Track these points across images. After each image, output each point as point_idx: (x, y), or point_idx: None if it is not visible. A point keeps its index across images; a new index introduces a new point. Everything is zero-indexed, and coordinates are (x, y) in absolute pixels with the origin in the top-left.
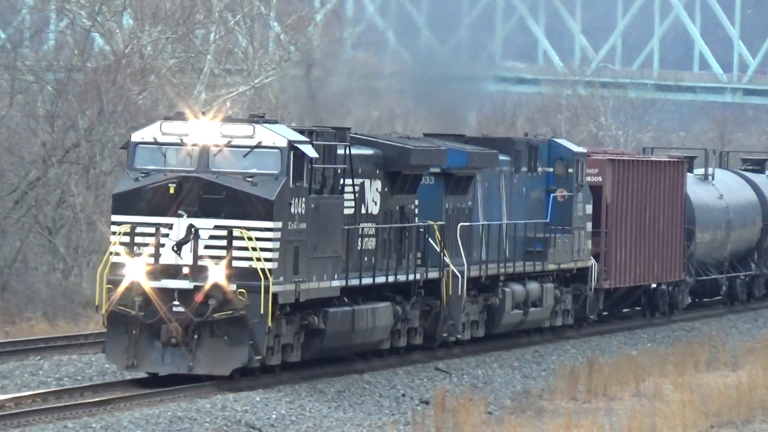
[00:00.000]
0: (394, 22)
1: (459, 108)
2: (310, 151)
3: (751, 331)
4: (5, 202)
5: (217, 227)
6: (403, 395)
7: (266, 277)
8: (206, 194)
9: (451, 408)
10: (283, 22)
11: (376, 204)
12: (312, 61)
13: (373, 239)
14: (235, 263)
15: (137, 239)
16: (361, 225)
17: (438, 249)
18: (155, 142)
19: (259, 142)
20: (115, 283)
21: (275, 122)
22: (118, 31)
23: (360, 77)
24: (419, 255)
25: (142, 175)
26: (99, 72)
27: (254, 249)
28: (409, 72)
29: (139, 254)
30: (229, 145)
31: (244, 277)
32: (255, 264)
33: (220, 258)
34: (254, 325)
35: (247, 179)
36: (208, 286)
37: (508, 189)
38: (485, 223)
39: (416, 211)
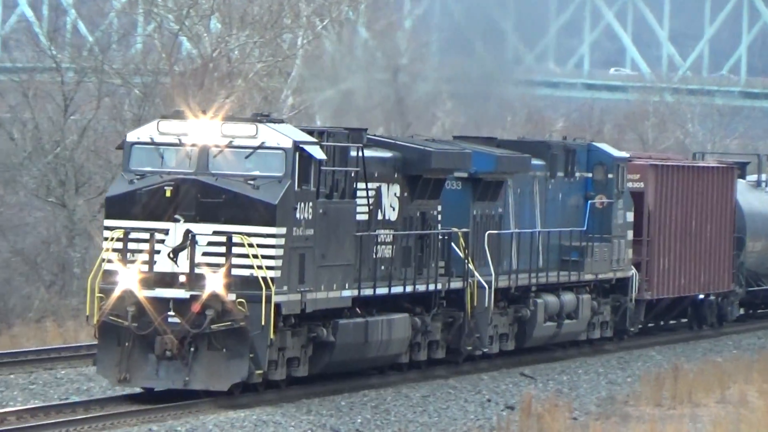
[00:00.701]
0: (482, 28)
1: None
2: (317, 153)
3: None
4: (92, 204)
5: (216, 233)
6: (489, 400)
7: (268, 287)
8: (204, 198)
9: (536, 413)
10: (372, 27)
11: (394, 209)
12: (399, 66)
13: (391, 247)
14: (235, 271)
15: (131, 245)
16: (377, 232)
17: (462, 257)
18: (152, 143)
19: (263, 143)
20: (106, 292)
21: (281, 122)
22: (205, 35)
23: (446, 82)
24: (442, 264)
25: (138, 177)
26: (186, 76)
27: (255, 256)
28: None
29: (133, 261)
30: (230, 145)
31: (244, 286)
32: (256, 272)
33: (218, 266)
34: (255, 338)
35: (249, 182)
36: (205, 295)
37: (543, 195)
38: (516, 231)
39: (439, 217)
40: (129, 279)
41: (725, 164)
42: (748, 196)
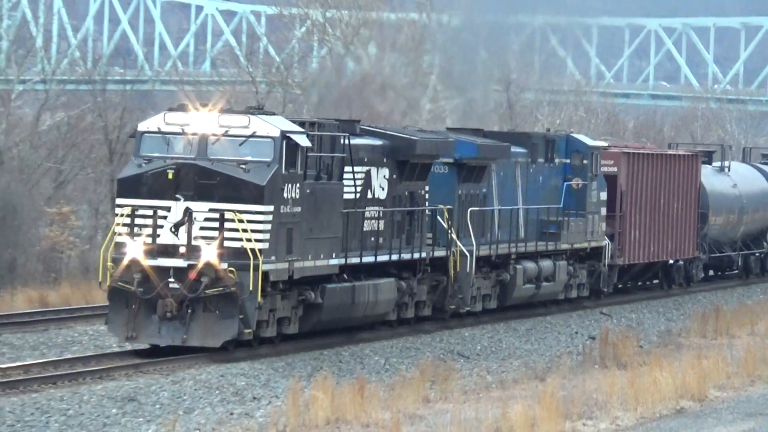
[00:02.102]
0: (571, 53)
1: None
2: (302, 141)
3: None
4: None
5: (211, 210)
6: (576, 333)
7: (256, 257)
8: (201, 179)
9: (611, 342)
10: (488, 49)
11: (383, 189)
12: (509, 80)
13: (381, 221)
14: (227, 243)
15: (137, 221)
16: (367, 208)
17: (446, 230)
18: (159, 131)
19: (254, 132)
20: (116, 261)
21: (273, 114)
22: (365, 56)
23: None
24: (429, 236)
25: (146, 161)
26: (350, 88)
27: (245, 230)
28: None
29: (139, 234)
30: (226, 134)
31: (235, 256)
32: (245, 244)
33: (213, 239)
34: (244, 301)
35: (241, 166)
36: (200, 264)
37: (524, 178)
38: (499, 207)
39: (426, 196)
40: (135, 250)
41: (691, 153)
42: (712, 179)
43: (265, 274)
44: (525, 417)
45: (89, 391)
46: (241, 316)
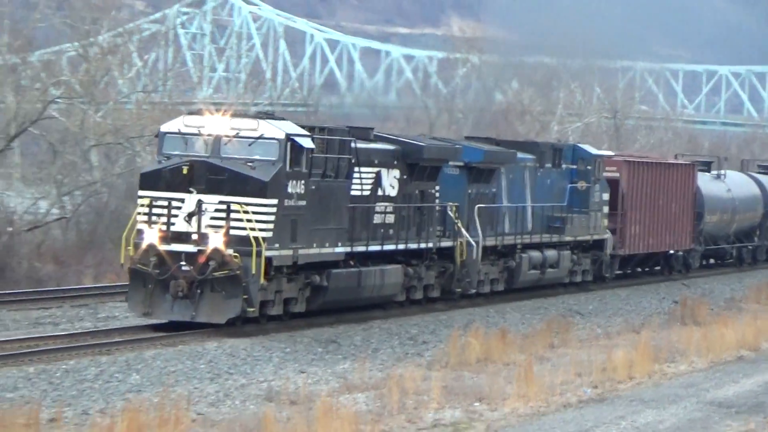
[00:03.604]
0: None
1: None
2: (306, 143)
3: None
4: None
5: (221, 202)
6: (663, 298)
7: (258, 244)
8: (212, 175)
9: (689, 305)
10: (604, 89)
11: (393, 188)
12: (616, 109)
13: (392, 215)
14: (233, 232)
15: (155, 210)
16: (377, 204)
17: (453, 223)
18: (179, 133)
19: (262, 134)
20: (136, 246)
21: (282, 119)
22: (509, 90)
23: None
24: (440, 229)
25: (166, 159)
26: (498, 113)
27: (249, 221)
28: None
29: (156, 223)
30: (236, 136)
31: (240, 243)
32: (249, 233)
33: (220, 227)
34: (248, 283)
35: (248, 164)
36: (209, 250)
37: (532, 180)
38: (504, 205)
39: (437, 194)
40: (152, 236)
41: (688, 162)
42: (708, 184)
43: (269, 259)
44: (625, 360)
45: (301, 335)
46: (245, 297)
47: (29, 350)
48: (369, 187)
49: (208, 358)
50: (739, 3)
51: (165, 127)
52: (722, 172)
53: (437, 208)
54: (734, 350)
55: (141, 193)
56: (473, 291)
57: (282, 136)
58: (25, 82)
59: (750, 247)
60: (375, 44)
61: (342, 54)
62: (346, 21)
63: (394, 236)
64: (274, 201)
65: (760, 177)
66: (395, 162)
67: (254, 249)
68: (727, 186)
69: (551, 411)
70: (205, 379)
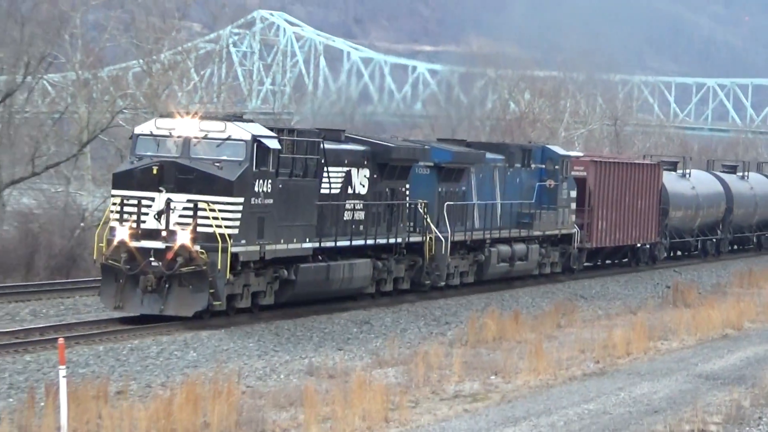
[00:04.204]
0: (657, 99)
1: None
2: (272, 144)
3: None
4: None
5: (189, 201)
6: (657, 284)
7: (225, 240)
8: (181, 175)
9: (680, 289)
10: (603, 96)
11: (363, 186)
12: (617, 117)
13: (362, 212)
14: (200, 229)
15: (126, 209)
16: (347, 201)
17: (422, 219)
18: (151, 134)
19: (229, 136)
20: (108, 242)
21: (251, 121)
22: (522, 100)
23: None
24: (411, 224)
25: (137, 159)
26: (512, 121)
27: (215, 218)
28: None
29: (127, 220)
30: (205, 137)
31: (207, 240)
32: (215, 230)
33: (188, 225)
34: (215, 278)
35: (216, 164)
36: (176, 246)
37: (502, 179)
38: (474, 202)
39: (407, 192)
40: (123, 233)
41: (653, 162)
42: (674, 182)
43: (235, 255)
44: (623, 338)
45: (339, 318)
46: (212, 291)
47: (99, 331)
48: (338, 185)
49: (256, 338)
50: (724, 23)
51: (138, 129)
52: (687, 171)
53: (408, 205)
54: (720, 329)
55: (114, 192)
56: (442, 283)
57: (248, 137)
58: (95, 94)
59: (714, 240)
60: (403, 60)
61: (375, 69)
62: (378, 41)
63: (364, 232)
64: (240, 199)
65: (724, 176)
66: (365, 162)
67: (220, 245)
68: (691, 184)
69: (558, 383)
70: (253, 356)
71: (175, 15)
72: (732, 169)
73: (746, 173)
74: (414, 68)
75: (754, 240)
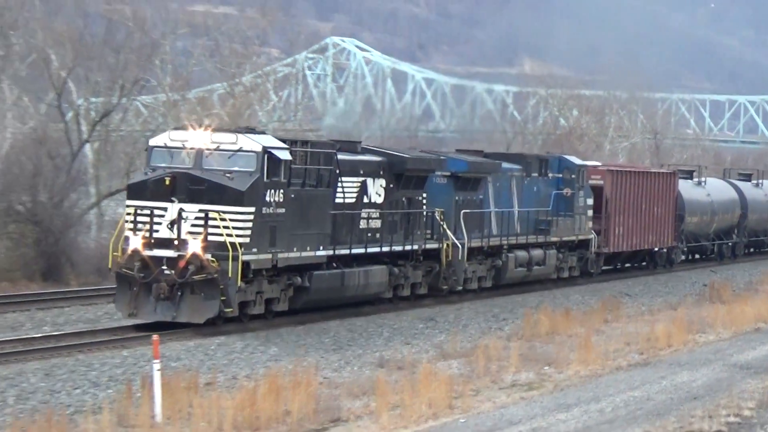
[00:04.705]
0: (693, 114)
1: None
2: (283, 155)
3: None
4: None
5: (201, 211)
6: (695, 282)
7: (235, 249)
8: (192, 185)
9: (716, 287)
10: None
11: (380, 195)
12: (657, 132)
13: (378, 220)
14: (211, 238)
15: (140, 219)
16: (363, 210)
17: (440, 226)
18: (165, 146)
19: (240, 147)
20: (123, 251)
21: (262, 133)
22: (570, 117)
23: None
24: (428, 232)
25: (152, 170)
26: (562, 136)
27: (226, 227)
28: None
29: (141, 230)
30: (217, 149)
31: (218, 248)
32: (225, 239)
33: (200, 234)
34: (226, 285)
35: (227, 175)
36: (188, 255)
37: (519, 187)
38: (491, 210)
39: (424, 201)
40: (137, 242)
41: (669, 171)
42: (690, 190)
43: (247, 263)
44: (664, 331)
45: (407, 314)
46: (223, 298)
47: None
48: (354, 195)
49: (332, 334)
50: (753, 44)
51: (153, 141)
52: (703, 179)
53: (424, 213)
54: (752, 323)
55: (128, 202)
56: (459, 288)
57: (259, 148)
58: (183, 114)
59: (729, 244)
60: (463, 81)
61: (436, 90)
62: (440, 63)
63: (380, 239)
64: (251, 209)
65: (739, 183)
66: (381, 172)
67: (230, 254)
68: (707, 191)
69: (606, 373)
70: (329, 350)
71: (256, 42)
72: (747, 177)
73: (761, 181)
74: (472, 88)
75: None
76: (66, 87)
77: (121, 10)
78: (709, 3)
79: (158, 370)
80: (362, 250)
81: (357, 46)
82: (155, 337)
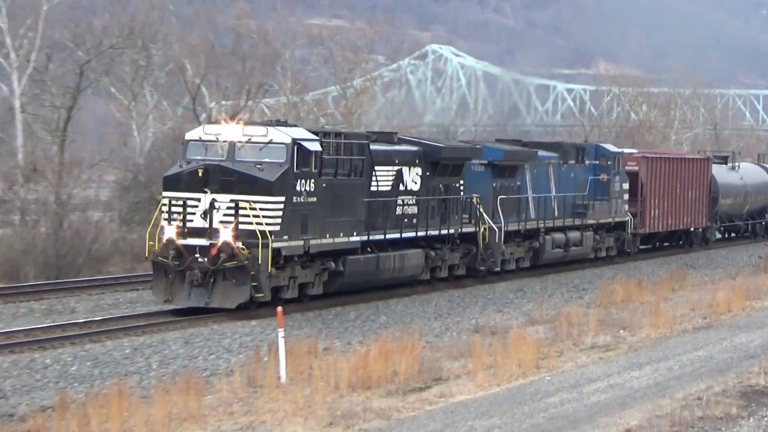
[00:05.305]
0: (748, 107)
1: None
2: (313, 146)
3: None
4: None
5: (232, 201)
6: (751, 254)
7: (266, 237)
8: (224, 177)
9: (762, 268)
10: (707, 109)
11: (416, 183)
12: (716, 123)
13: (414, 207)
14: (242, 227)
15: (174, 209)
16: (399, 197)
17: (478, 213)
18: (200, 140)
19: (271, 140)
20: (158, 240)
21: (294, 126)
22: (640, 111)
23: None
24: (466, 216)
25: (186, 163)
26: (633, 128)
27: (255, 216)
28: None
29: (175, 220)
30: (249, 141)
31: (249, 237)
32: (255, 227)
33: (231, 223)
34: (257, 272)
35: (257, 166)
36: (219, 243)
37: (557, 174)
38: (528, 195)
39: (461, 187)
40: (171, 232)
41: (703, 156)
42: (724, 174)
43: (277, 250)
44: (725, 298)
45: (498, 286)
46: (254, 284)
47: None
48: (389, 183)
49: (434, 303)
50: None
51: (188, 135)
52: (736, 164)
53: (462, 198)
54: None
55: (163, 193)
56: (497, 269)
57: (288, 140)
58: (302, 114)
59: (762, 223)
60: (545, 81)
61: (522, 89)
62: (525, 66)
63: (416, 225)
64: (281, 198)
65: None
66: (417, 161)
67: (260, 241)
68: (740, 175)
69: (674, 335)
70: (431, 318)
71: (364, 50)
72: None
73: None
74: (554, 87)
75: None
76: (199, 92)
77: (247, 24)
78: (762, 11)
79: (282, 337)
80: (397, 235)
81: (453, 53)
82: (279, 309)
